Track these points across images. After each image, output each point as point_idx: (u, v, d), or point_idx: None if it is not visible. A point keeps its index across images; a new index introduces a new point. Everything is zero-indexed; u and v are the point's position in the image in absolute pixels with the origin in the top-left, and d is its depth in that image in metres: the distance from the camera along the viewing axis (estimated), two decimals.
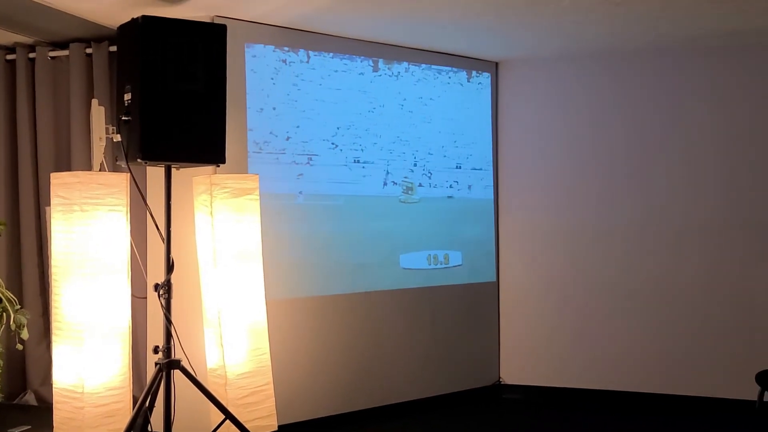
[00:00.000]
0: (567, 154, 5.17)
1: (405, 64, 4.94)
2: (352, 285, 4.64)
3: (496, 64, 5.29)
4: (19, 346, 3.90)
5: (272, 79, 4.38)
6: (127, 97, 3.23)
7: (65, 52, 4.49)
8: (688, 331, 4.94)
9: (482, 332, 5.24)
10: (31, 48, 4.55)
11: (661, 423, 4.66)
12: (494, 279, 5.29)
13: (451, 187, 5.16)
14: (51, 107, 4.56)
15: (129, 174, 3.41)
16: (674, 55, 4.96)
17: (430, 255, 4.98)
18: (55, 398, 3.40)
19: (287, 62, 4.43)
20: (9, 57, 4.59)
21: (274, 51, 4.37)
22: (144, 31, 3.16)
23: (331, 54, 4.61)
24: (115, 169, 3.81)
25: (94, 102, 3.49)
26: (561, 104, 5.20)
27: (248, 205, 3.72)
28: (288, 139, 4.44)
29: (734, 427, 4.55)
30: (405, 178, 4.99)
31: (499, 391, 5.26)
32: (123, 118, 3.25)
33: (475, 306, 5.21)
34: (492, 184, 5.29)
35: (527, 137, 5.26)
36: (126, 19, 3.29)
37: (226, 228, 3.64)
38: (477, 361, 5.20)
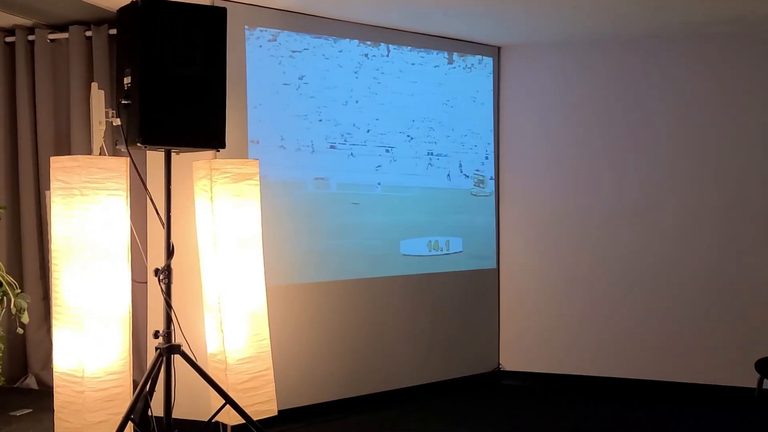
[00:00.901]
0: (569, 140, 5.15)
1: (479, 56, 5.12)
2: (352, 271, 4.64)
3: (498, 49, 5.26)
4: (20, 330, 3.90)
5: (355, 73, 4.59)
6: (127, 80, 3.21)
7: (65, 35, 4.46)
8: (689, 319, 4.94)
9: (482, 319, 5.25)
10: (31, 30, 4.53)
11: (660, 410, 4.67)
12: (494, 266, 5.29)
13: None
14: (50, 90, 4.54)
15: (129, 158, 3.40)
16: (677, 42, 4.92)
17: (430, 241, 4.98)
18: (56, 382, 3.40)
19: (369, 56, 4.63)
20: (8, 39, 4.57)
21: (358, 45, 4.58)
22: (144, 14, 3.14)
23: (410, 47, 4.81)
24: (114, 153, 3.79)
25: (94, 85, 3.47)
26: (563, 90, 5.16)
27: (248, 191, 3.71)
28: (368, 131, 4.63)
29: (734, 415, 4.56)
30: (476, 170, 5.14)
31: (498, 377, 5.27)
32: (123, 101, 3.23)
33: (475, 293, 5.21)
34: (493, 169, 5.28)
35: (529, 123, 5.24)
36: (126, 1, 3.26)
37: (226, 213, 3.62)
38: (477, 348, 5.21)
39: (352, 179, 4.59)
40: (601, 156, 5.10)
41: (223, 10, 3.35)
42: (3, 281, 3.74)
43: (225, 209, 3.62)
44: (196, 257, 3.76)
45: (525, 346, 5.25)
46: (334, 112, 4.52)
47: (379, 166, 4.70)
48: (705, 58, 4.91)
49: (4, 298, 3.76)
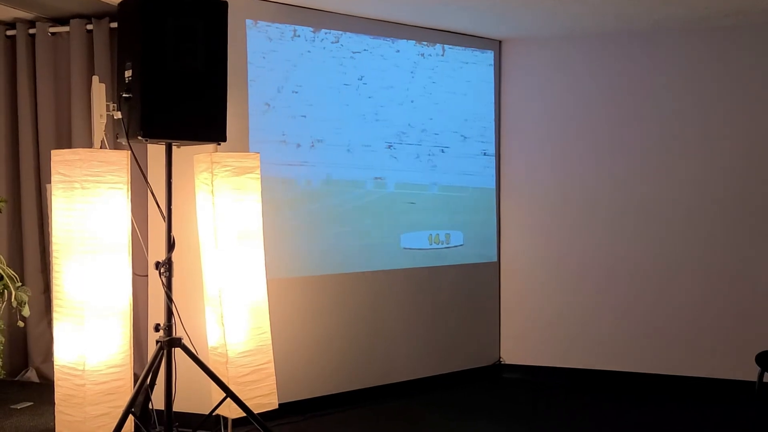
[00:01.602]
0: (572, 134, 5.15)
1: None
2: (353, 264, 4.64)
3: (499, 42, 5.25)
4: (21, 323, 3.91)
5: (412, 72, 4.69)
6: (128, 74, 3.21)
7: (66, 28, 4.45)
8: (690, 313, 4.95)
9: (483, 312, 5.25)
10: (32, 24, 4.52)
11: (660, 403, 4.67)
12: (495, 259, 5.28)
13: None
14: (51, 83, 4.53)
15: (130, 151, 3.39)
16: (681, 34, 4.91)
17: (431, 234, 4.97)
18: (57, 375, 3.40)
19: (424, 56, 4.74)
20: (9, 33, 4.56)
21: (415, 45, 4.69)
22: (145, 7, 3.13)
23: (462, 47, 4.90)
24: (115, 146, 3.79)
25: (95, 79, 3.46)
26: (565, 83, 5.16)
27: (249, 184, 3.70)
28: (423, 131, 4.75)
29: (734, 408, 4.56)
30: None
31: (499, 370, 5.27)
32: (124, 95, 3.23)
33: (476, 286, 5.21)
34: (494, 163, 5.27)
35: (529, 116, 5.23)
36: None
37: (227, 206, 3.62)
38: (478, 341, 5.21)
39: (410, 178, 4.73)
40: (604, 149, 5.09)
41: (225, 4, 3.34)
42: (4, 274, 3.75)
43: (226, 202, 3.62)
44: (196, 250, 3.76)
45: (526, 339, 5.26)
46: (390, 111, 4.63)
47: (435, 165, 4.80)
48: (710, 50, 4.89)
49: (5, 291, 3.76)
